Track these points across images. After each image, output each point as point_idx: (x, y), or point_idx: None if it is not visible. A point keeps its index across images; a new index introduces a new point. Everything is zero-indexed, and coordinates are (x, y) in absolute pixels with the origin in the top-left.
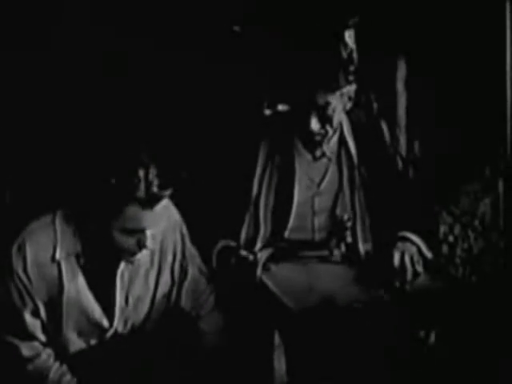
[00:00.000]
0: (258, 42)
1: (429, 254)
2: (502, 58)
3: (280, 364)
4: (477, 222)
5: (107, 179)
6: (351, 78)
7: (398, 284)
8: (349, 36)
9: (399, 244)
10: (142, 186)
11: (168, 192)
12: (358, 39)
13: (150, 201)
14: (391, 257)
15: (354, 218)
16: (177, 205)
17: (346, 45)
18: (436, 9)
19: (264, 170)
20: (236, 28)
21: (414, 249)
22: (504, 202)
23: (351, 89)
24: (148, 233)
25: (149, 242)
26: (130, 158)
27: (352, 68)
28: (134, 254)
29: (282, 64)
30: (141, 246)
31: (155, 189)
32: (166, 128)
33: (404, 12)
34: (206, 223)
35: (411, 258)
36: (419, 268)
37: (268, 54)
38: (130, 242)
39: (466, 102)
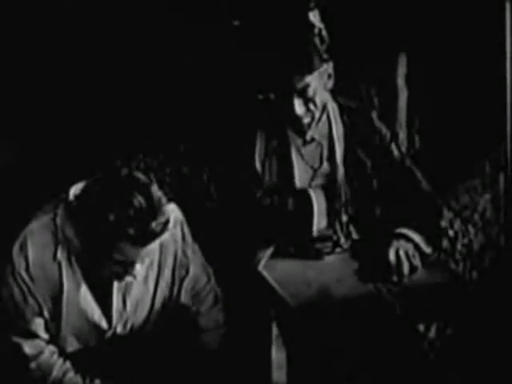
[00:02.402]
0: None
1: (427, 250)
2: (502, 54)
3: (278, 356)
4: (477, 217)
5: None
6: (325, 56)
7: (395, 278)
8: (313, 16)
9: (394, 242)
10: (135, 223)
11: (166, 231)
12: (354, 33)
13: (144, 238)
14: (386, 254)
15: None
16: (177, 201)
17: (312, 26)
18: (437, 6)
19: (264, 158)
20: (236, 22)
21: (409, 245)
22: (504, 197)
23: (328, 66)
24: (137, 266)
25: (137, 272)
26: (125, 189)
27: (324, 46)
28: (120, 279)
29: (259, 53)
30: (128, 274)
31: (153, 224)
32: (164, 125)
33: (405, 9)
34: (208, 217)
35: (406, 253)
36: (416, 262)
37: (250, 44)
38: (117, 269)
39: (466, 97)
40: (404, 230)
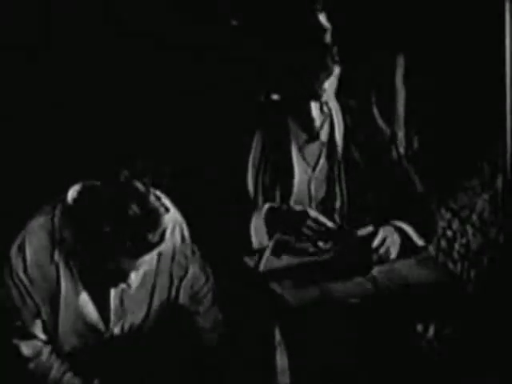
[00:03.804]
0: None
1: (420, 242)
2: (501, 54)
3: (282, 360)
4: (475, 218)
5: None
6: (337, 58)
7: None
8: (323, 19)
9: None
10: (131, 235)
11: (163, 242)
12: (353, 34)
13: (139, 250)
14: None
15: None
16: (175, 201)
17: (324, 29)
18: (436, 6)
19: (259, 160)
20: (234, 22)
21: (395, 235)
22: (502, 197)
23: (338, 68)
24: (132, 275)
25: (131, 281)
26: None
27: (335, 49)
28: (114, 286)
29: (275, 61)
30: (123, 282)
31: (150, 236)
32: (161, 124)
33: (404, 9)
34: (204, 217)
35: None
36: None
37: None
38: (111, 277)
39: (464, 98)
40: (397, 222)
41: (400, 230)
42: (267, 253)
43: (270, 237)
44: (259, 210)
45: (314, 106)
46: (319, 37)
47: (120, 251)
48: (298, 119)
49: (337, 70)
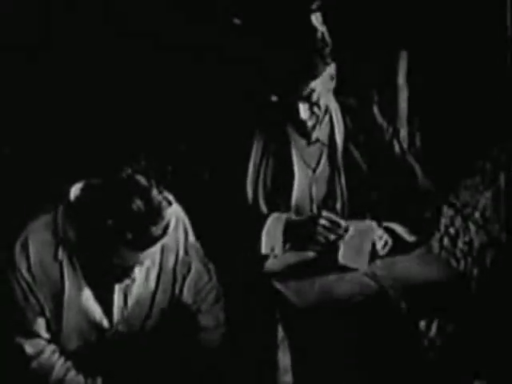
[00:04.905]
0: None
1: (411, 238)
2: (503, 51)
3: (284, 359)
4: (478, 215)
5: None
6: (329, 59)
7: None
8: (316, 19)
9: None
10: (134, 228)
11: (166, 235)
12: (354, 31)
13: (143, 243)
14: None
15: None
16: (178, 200)
17: (315, 30)
18: (438, 4)
19: (260, 161)
20: (236, 21)
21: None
22: (505, 195)
23: (331, 68)
24: (136, 269)
25: (136, 275)
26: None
27: (327, 50)
28: (119, 281)
29: (263, 59)
30: (127, 277)
31: (153, 229)
32: (160, 124)
33: (405, 6)
34: (204, 217)
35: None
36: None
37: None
38: (116, 272)
39: (467, 96)
40: (389, 224)
41: (390, 231)
42: (271, 258)
43: (284, 246)
44: (276, 218)
45: (303, 108)
46: (308, 37)
47: (124, 245)
48: (292, 121)
49: (329, 70)
